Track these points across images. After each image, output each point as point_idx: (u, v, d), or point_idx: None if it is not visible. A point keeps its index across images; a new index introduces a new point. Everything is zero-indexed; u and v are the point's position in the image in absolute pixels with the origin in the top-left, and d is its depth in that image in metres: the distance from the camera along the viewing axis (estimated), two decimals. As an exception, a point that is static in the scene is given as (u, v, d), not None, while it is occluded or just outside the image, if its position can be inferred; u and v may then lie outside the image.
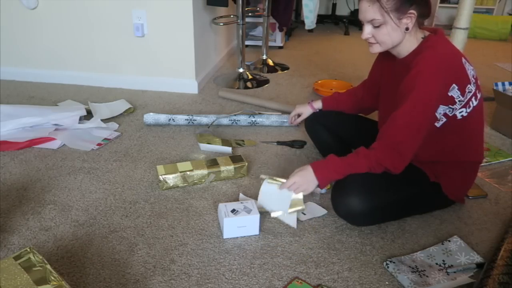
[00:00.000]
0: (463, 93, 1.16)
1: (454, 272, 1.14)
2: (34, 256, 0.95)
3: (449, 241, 1.26)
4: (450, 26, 2.48)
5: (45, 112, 1.96)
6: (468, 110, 1.19)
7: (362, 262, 1.19)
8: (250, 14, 3.15)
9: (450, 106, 1.16)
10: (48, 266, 0.93)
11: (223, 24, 2.74)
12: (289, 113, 2.14)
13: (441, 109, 1.16)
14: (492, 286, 0.99)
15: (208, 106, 2.31)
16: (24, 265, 0.93)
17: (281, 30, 3.57)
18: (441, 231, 1.32)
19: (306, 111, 1.69)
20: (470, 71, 1.19)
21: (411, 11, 1.14)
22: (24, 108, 2.02)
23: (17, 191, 1.49)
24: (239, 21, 2.63)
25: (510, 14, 4.78)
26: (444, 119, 1.19)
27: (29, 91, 2.47)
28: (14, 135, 1.85)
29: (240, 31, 2.66)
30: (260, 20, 3.47)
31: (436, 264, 1.18)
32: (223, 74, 2.90)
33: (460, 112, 1.18)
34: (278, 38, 3.70)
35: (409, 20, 1.15)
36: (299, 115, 1.72)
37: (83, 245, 1.23)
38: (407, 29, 1.17)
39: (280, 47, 3.75)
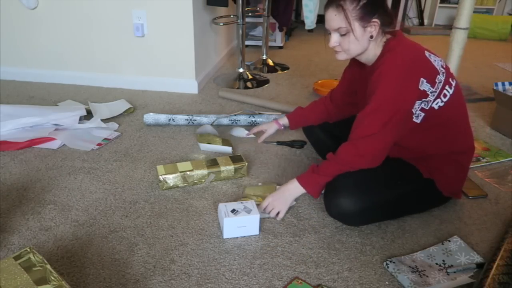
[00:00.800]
0: (433, 84, 1.18)
1: (454, 272, 1.14)
2: (34, 256, 0.95)
3: (449, 241, 1.26)
4: (450, 26, 2.48)
5: (45, 112, 1.96)
6: (445, 100, 1.21)
7: (362, 262, 1.19)
8: (250, 14, 3.15)
9: (424, 99, 1.18)
10: (48, 266, 0.93)
11: (223, 24, 2.74)
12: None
13: (417, 105, 1.18)
14: (492, 286, 1.00)
15: (208, 106, 2.31)
16: (24, 265, 0.93)
17: (281, 30, 3.58)
18: (441, 231, 1.33)
19: (271, 128, 1.69)
20: (438, 61, 1.22)
21: (375, 20, 1.18)
22: (24, 108, 2.02)
23: (17, 191, 1.49)
24: (239, 21, 2.63)
25: (510, 14, 4.78)
26: (423, 114, 1.20)
27: (29, 91, 2.47)
28: (14, 135, 1.85)
29: (240, 31, 2.66)
30: (260, 20, 3.47)
31: (436, 264, 1.18)
32: (223, 74, 2.90)
33: (436, 103, 1.20)
34: (278, 38, 3.70)
35: (373, 29, 1.19)
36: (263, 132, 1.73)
37: (83, 245, 1.23)
38: (371, 37, 1.20)
39: (280, 47, 3.75)
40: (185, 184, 1.53)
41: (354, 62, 1.43)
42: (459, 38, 2.22)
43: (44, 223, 1.32)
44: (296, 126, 1.68)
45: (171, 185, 1.51)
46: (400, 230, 1.32)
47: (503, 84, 2.14)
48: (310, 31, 4.52)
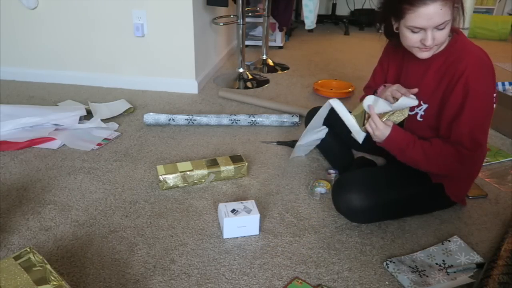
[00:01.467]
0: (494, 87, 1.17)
1: (454, 272, 1.14)
2: (34, 256, 0.95)
3: (449, 241, 1.26)
4: (450, 26, 2.47)
5: (45, 112, 1.96)
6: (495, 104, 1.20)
7: (362, 262, 1.19)
8: (250, 14, 3.15)
9: None
10: (48, 266, 0.93)
11: (223, 24, 2.74)
12: (288, 113, 2.15)
13: None
14: (492, 286, 0.99)
15: (208, 106, 2.31)
16: (24, 265, 0.93)
17: (281, 30, 3.57)
18: (441, 231, 1.33)
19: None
20: None
21: (456, 5, 1.12)
22: (24, 108, 2.02)
23: (17, 191, 1.49)
24: (239, 21, 2.63)
25: (510, 14, 4.78)
26: None
27: (29, 91, 2.47)
28: (14, 135, 1.85)
29: (240, 31, 2.66)
30: (260, 20, 3.47)
31: (436, 264, 1.18)
32: (223, 74, 2.90)
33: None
34: (278, 38, 3.70)
35: (455, 13, 1.12)
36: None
37: (83, 245, 1.23)
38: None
39: (280, 47, 3.75)
40: (185, 184, 1.53)
41: (396, 55, 1.34)
42: (459, 38, 2.21)
43: (44, 223, 1.32)
44: None
45: (171, 185, 1.51)
46: (400, 230, 1.32)
47: (503, 84, 2.14)
48: (310, 31, 4.52)
